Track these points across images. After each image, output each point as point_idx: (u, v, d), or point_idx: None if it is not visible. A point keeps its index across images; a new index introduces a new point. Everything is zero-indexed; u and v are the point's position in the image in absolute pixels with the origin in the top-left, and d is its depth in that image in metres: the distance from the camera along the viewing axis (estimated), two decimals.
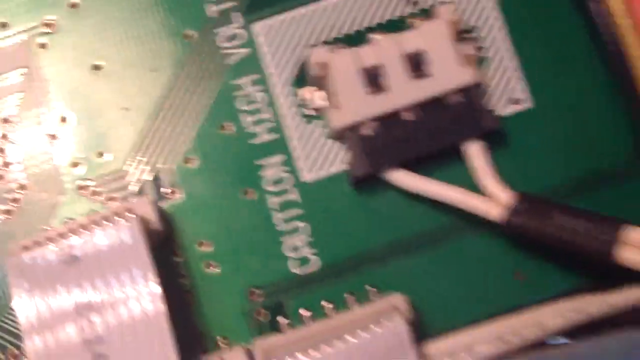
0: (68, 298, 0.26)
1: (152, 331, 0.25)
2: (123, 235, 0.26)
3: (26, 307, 0.26)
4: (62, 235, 0.27)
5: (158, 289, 0.26)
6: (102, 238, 0.26)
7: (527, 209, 0.27)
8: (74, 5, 0.30)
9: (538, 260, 0.28)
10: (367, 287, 0.28)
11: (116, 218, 0.27)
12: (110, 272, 0.26)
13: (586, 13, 0.29)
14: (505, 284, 0.28)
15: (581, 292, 0.27)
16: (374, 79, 0.28)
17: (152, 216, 0.27)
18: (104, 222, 0.27)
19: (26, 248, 0.27)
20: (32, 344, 0.26)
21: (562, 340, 0.27)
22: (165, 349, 0.25)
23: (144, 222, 0.27)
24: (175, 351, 0.25)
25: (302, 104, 0.29)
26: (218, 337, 0.28)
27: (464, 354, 0.26)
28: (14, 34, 0.30)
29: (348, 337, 0.26)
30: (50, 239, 0.27)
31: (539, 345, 0.26)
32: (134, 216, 0.27)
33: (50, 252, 0.26)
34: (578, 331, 0.26)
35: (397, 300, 0.27)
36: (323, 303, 0.28)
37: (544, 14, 0.30)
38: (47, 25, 0.30)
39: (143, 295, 0.26)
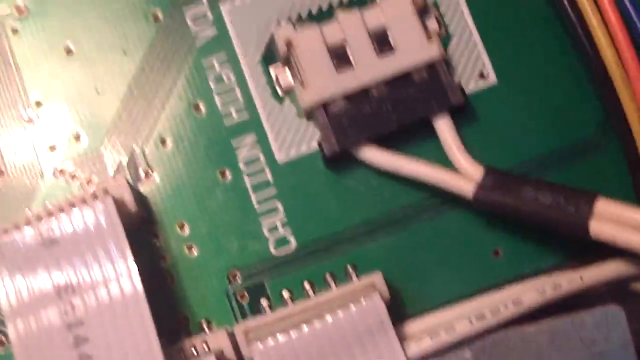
0: (48, 281, 0.26)
1: (131, 312, 0.26)
2: (99, 216, 0.27)
3: (7, 291, 0.26)
4: (40, 218, 0.27)
5: (135, 268, 0.26)
6: (79, 220, 0.27)
7: (496, 184, 0.27)
8: None
9: (514, 237, 0.29)
10: (346, 267, 0.28)
11: (92, 200, 0.27)
12: (87, 253, 0.26)
13: None
14: (482, 261, 0.28)
15: (558, 269, 0.28)
16: (339, 56, 0.28)
17: (127, 197, 0.28)
18: (81, 204, 0.27)
19: (5, 231, 0.27)
20: (15, 328, 0.26)
21: None
22: (145, 329, 0.26)
23: (119, 203, 0.27)
24: (154, 330, 0.26)
25: (272, 83, 0.29)
26: (201, 320, 0.28)
27: (443, 332, 0.27)
28: None
29: (328, 317, 0.27)
30: (29, 222, 0.27)
31: (517, 321, 0.27)
32: (109, 197, 0.27)
33: (29, 235, 0.27)
34: (554, 307, 0.27)
35: (375, 278, 0.27)
36: (303, 284, 0.28)
37: None
38: (18, 10, 0.30)
39: (121, 276, 0.26)
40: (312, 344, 0.26)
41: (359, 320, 0.27)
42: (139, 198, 0.29)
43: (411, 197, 0.29)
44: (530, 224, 0.27)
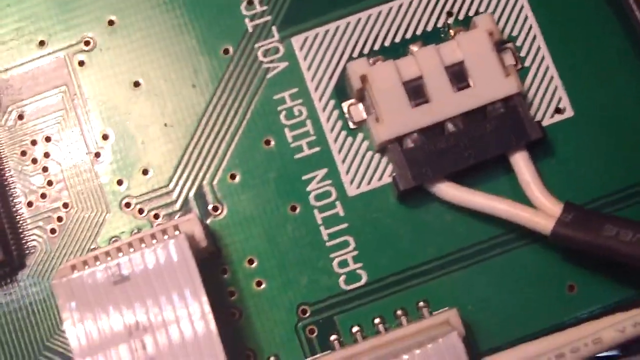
0: (118, 319, 0.26)
1: (204, 351, 0.25)
2: (171, 253, 0.26)
3: (76, 329, 0.26)
4: (109, 254, 0.27)
5: (208, 309, 0.26)
6: (150, 257, 0.26)
7: (575, 220, 0.27)
8: (111, 23, 0.30)
9: (590, 271, 0.28)
10: (418, 302, 0.28)
11: (163, 236, 0.27)
12: (159, 291, 0.26)
13: (626, 20, 0.29)
14: (557, 296, 0.28)
15: (635, 304, 0.27)
16: (415, 91, 0.28)
17: (198, 233, 0.27)
18: (151, 241, 0.27)
19: (74, 268, 0.27)
20: None
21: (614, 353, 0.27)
22: None
23: (191, 240, 0.27)
24: None
25: (344, 117, 0.29)
26: (269, 356, 0.28)
27: None
28: (52, 52, 0.30)
29: (404, 356, 0.26)
30: (98, 258, 0.27)
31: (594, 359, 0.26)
32: (181, 234, 0.27)
33: (99, 271, 0.26)
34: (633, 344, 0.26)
35: (450, 315, 0.27)
36: (374, 319, 0.28)
37: (582, 21, 0.29)
38: (86, 43, 0.30)
39: (194, 315, 0.26)
40: None
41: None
42: (208, 233, 0.28)
43: (484, 232, 0.28)
44: (607, 259, 0.27)
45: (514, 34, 0.29)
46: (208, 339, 0.26)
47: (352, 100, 0.29)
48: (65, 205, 0.29)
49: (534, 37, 0.29)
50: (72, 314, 0.26)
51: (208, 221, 0.29)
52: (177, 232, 0.27)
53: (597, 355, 0.26)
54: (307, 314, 0.28)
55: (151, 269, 0.26)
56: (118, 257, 0.27)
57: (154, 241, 0.27)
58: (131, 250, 0.27)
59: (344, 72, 0.29)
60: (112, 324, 0.26)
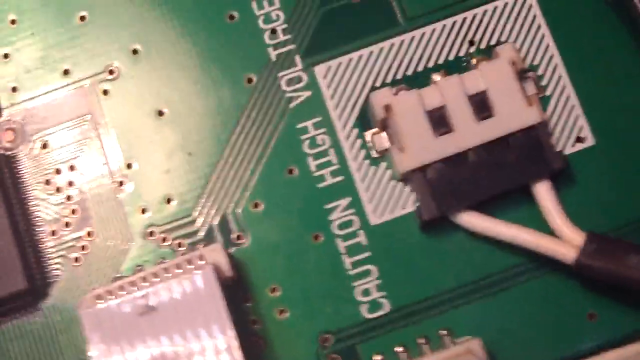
0: (144, 350, 0.26)
1: None
2: (198, 284, 0.26)
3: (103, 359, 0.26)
4: (134, 284, 0.27)
5: (236, 342, 0.26)
6: (177, 288, 0.26)
7: (598, 250, 0.27)
8: (135, 52, 0.30)
9: (610, 300, 0.28)
10: (440, 331, 0.28)
11: (188, 266, 0.27)
12: (186, 323, 0.26)
13: None
14: (579, 325, 0.28)
15: None
16: (438, 121, 0.28)
17: (224, 263, 0.27)
18: (177, 271, 0.27)
19: (99, 297, 0.27)
20: None
21: None
22: None
23: (216, 270, 0.27)
24: None
25: (367, 146, 0.29)
26: None
27: None
28: (77, 81, 0.30)
29: None
30: (123, 288, 0.27)
31: None
32: (208, 264, 0.27)
33: (126, 302, 0.26)
34: None
35: (473, 345, 0.27)
36: (396, 348, 0.28)
37: (604, 50, 0.29)
38: (110, 72, 0.30)
39: (220, 348, 0.26)
40: None
41: None
42: (233, 262, 0.28)
43: (506, 261, 0.28)
44: (630, 289, 0.27)
45: (535, 62, 0.29)
46: None
47: (375, 130, 0.29)
48: (89, 234, 0.29)
49: (555, 66, 0.29)
50: (98, 345, 0.26)
51: (231, 250, 0.29)
52: (201, 262, 0.27)
53: None
54: (330, 343, 0.28)
55: (178, 300, 0.26)
56: (143, 287, 0.27)
57: (179, 271, 0.27)
58: (156, 279, 0.27)
59: (367, 101, 0.29)
60: (138, 356, 0.26)
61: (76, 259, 0.29)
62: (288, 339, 0.28)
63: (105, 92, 0.30)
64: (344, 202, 0.29)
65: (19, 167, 0.30)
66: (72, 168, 0.30)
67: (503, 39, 0.30)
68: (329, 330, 0.28)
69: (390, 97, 0.28)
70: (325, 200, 0.29)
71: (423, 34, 0.30)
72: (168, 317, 0.26)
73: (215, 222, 0.29)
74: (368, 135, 0.29)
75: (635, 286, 0.26)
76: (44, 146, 0.30)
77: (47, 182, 0.30)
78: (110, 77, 0.30)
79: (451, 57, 0.30)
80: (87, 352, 0.26)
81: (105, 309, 0.27)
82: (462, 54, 0.30)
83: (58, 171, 0.30)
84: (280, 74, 0.30)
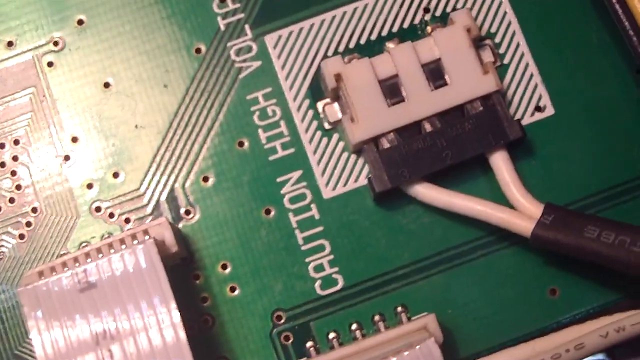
0: (85, 327, 0.25)
1: None
2: (139, 259, 0.26)
3: (42, 337, 0.25)
4: (77, 260, 0.26)
5: (178, 317, 0.25)
6: (118, 263, 0.26)
7: (555, 221, 0.26)
8: (81, 22, 0.29)
9: (572, 275, 0.27)
10: (396, 307, 0.27)
11: (132, 241, 0.26)
12: (127, 298, 0.25)
13: (607, 15, 0.28)
14: (539, 300, 0.27)
15: (618, 308, 0.26)
16: (391, 90, 0.27)
17: (169, 238, 0.26)
18: (120, 246, 0.26)
19: (41, 274, 0.26)
20: None
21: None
22: None
23: (159, 244, 0.26)
24: None
25: (319, 117, 0.28)
26: None
27: None
28: (21, 53, 0.29)
29: None
30: (66, 265, 0.26)
31: None
32: (150, 239, 0.26)
33: (65, 278, 0.26)
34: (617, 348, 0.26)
35: (428, 320, 0.26)
36: (350, 325, 0.27)
37: (563, 17, 0.29)
38: (55, 43, 0.29)
39: (163, 323, 0.25)
40: None
41: None
42: (180, 237, 0.27)
43: (463, 234, 0.28)
44: (591, 262, 0.26)
45: (493, 30, 0.29)
46: (177, 348, 0.25)
47: (327, 100, 0.28)
48: (34, 210, 0.28)
49: (514, 33, 0.29)
50: (38, 323, 0.25)
51: (180, 225, 0.28)
52: (147, 237, 0.26)
53: None
54: (282, 320, 0.27)
55: (119, 275, 0.26)
56: (86, 263, 0.26)
57: (123, 246, 0.26)
58: (100, 255, 0.26)
59: (319, 71, 0.28)
60: (79, 333, 0.25)
61: (21, 236, 0.28)
62: (240, 316, 0.28)
63: (50, 64, 0.29)
64: (295, 175, 0.28)
65: None
66: (16, 142, 0.29)
67: (459, 5, 0.29)
68: (281, 307, 0.28)
69: (342, 65, 0.27)
70: (277, 174, 0.28)
71: (377, 1, 0.29)
72: (109, 293, 0.25)
73: (163, 196, 0.28)
74: (320, 106, 0.28)
75: (593, 258, 0.26)
76: None
77: None
78: (55, 48, 0.29)
79: (406, 25, 0.29)
80: (27, 330, 0.26)
81: (44, 285, 0.26)
82: (417, 21, 0.29)
83: (2, 145, 0.29)
84: (230, 43, 0.29)
